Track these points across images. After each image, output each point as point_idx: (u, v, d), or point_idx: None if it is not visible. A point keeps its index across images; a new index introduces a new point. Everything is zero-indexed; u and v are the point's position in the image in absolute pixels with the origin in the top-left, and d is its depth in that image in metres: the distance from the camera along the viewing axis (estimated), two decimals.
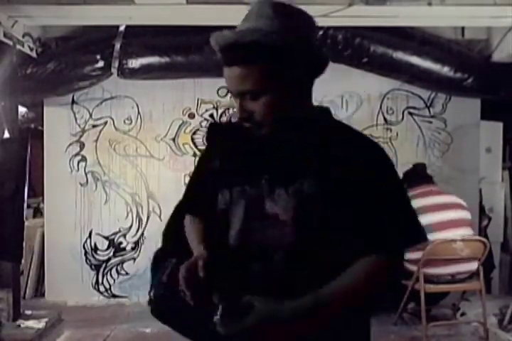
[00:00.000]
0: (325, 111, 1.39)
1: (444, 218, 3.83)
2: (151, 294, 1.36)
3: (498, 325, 4.03)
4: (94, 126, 4.86)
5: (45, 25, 4.50)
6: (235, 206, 1.28)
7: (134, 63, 4.37)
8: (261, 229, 1.24)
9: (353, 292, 1.17)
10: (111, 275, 4.92)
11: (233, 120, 1.35)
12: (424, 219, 3.83)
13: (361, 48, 4.36)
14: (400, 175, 4.32)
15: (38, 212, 5.76)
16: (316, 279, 1.18)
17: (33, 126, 5.36)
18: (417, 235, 1.28)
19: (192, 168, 5.21)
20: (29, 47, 4.30)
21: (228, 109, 4.80)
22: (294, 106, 1.26)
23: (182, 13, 3.85)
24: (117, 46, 4.32)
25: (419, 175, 4.16)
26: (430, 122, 4.89)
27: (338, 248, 1.20)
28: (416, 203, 3.85)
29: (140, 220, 4.91)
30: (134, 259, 4.92)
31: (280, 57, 1.19)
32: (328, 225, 1.21)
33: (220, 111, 4.85)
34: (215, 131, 1.50)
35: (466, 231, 3.87)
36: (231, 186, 1.28)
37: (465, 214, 3.93)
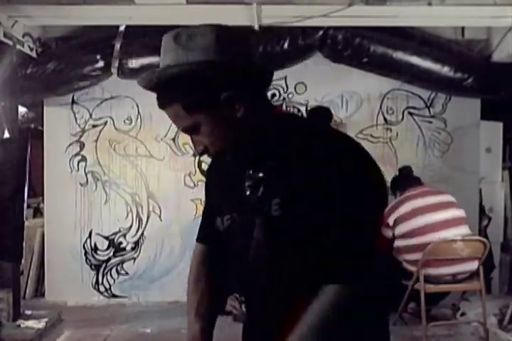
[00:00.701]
0: (293, 119, 1.30)
1: (441, 218, 3.83)
2: None
3: (498, 325, 4.03)
4: (94, 126, 4.86)
5: (45, 25, 4.50)
6: (229, 234, 1.29)
7: (134, 63, 4.37)
8: (254, 254, 1.24)
9: (321, 325, 1.13)
10: (111, 275, 4.92)
11: None
12: (422, 220, 3.89)
13: (361, 48, 4.36)
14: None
15: (38, 212, 5.77)
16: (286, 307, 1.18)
17: (33, 126, 5.36)
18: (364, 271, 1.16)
19: (192, 168, 5.21)
20: (29, 47, 4.30)
21: None
22: (242, 126, 1.17)
23: (182, 13, 3.84)
24: (117, 46, 4.32)
25: (406, 178, 4.20)
26: (430, 122, 4.88)
27: (305, 272, 1.17)
28: (411, 205, 3.88)
29: (140, 220, 4.91)
30: (134, 259, 4.92)
31: (191, 86, 1.13)
32: (294, 248, 1.17)
33: None
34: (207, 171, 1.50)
35: (463, 230, 3.88)
36: (222, 215, 1.30)
37: (460, 213, 3.94)
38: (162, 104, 1.19)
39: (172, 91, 1.15)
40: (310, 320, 1.12)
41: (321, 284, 1.12)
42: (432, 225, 3.79)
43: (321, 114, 4.24)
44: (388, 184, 4.42)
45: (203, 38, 1.13)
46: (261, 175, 1.22)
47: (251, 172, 1.23)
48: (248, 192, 1.23)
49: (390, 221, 3.89)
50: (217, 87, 1.13)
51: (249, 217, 1.23)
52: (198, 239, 1.45)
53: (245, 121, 1.16)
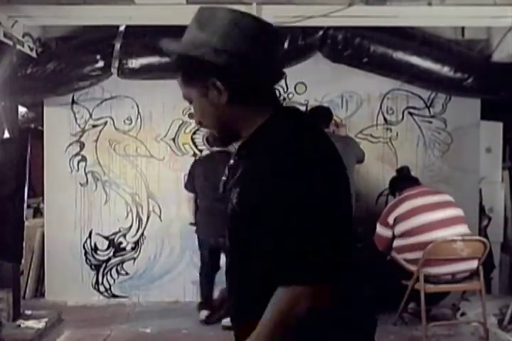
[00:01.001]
0: (286, 117, 1.26)
1: (440, 216, 3.85)
2: None
3: (498, 325, 4.03)
4: (94, 126, 4.86)
5: (45, 25, 4.50)
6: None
7: (134, 63, 4.37)
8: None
9: (274, 327, 1.12)
10: (111, 275, 4.92)
11: None
12: (420, 219, 3.91)
13: (361, 48, 4.36)
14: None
15: (38, 212, 5.76)
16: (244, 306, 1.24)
17: (33, 126, 5.36)
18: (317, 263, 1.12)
19: None
20: (29, 47, 4.30)
21: None
22: (224, 113, 1.25)
23: (182, 13, 3.83)
24: (117, 46, 4.32)
25: (404, 178, 4.22)
26: (430, 122, 4.88)
27: (258, 274, 1.18)
28: (410, 204, 3.89)
29: (140, 220, 4.91)
30: (134, 259, 4.92)
31: (190, 64, 1.23)
32: (245, 247, 1.22)
33: None
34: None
35: (462, 229, 3.89)
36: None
37: (459, 212, 3.95)
38: (175, 69, 1.29)
39: (179, 62, 1.27)
40: (263, 323, 1.13)
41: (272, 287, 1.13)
42: (431, 224, 3.81)
43: (321, 114, 4.25)
44: (388, 184, 4.44)
45: (222, 23, 1.21)
46: (234, 163, 1.31)
47: (231, 159, 1.34)
48: (225, 177, 1.34)
49: (390, 220, 3.91)
50: (208, 71, 1.21)
51: (222, 200, 1.33)
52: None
53: (228, 109, 1.23)
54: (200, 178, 4.15)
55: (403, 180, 4.21)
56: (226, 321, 3.82)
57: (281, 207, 1.12)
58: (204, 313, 4.22)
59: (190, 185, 4.28)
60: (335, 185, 1.17)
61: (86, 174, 4.87)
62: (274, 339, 1.11)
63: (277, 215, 1.12)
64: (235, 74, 1.20)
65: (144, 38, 4.35)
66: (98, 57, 4.36)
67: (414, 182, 4.18)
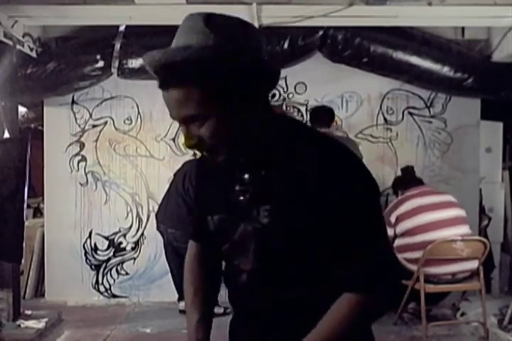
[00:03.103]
0: (289, 123, 1.22)
1: (441, 216, 3.85)
2: None
3: (498, 325, 4.03)
4: (94, 126, 4.86)
5: (45, 25, 4.50)
6: (218, 234, 1.28)
7: (134, 63, 4.37)
8: (239, 256, 1.24)
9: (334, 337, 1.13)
10: (111, 275, 4.92)
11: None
12: (422, 219, 3.90)
13: (361, 48, 4.36)
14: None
15: (38, 212, 5.77)
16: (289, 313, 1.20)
17: (33, 126, 5.36)
18: (390, 269, 1.15)
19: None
20: (29, 47, 4.30)
21: None
22: (246, 125, 1.12)
23: (182, 13, 3.82)
24: (117, 46, 4.32)
25: (409, 177, 4.22)
26: (430, 122, 4.88)
27: (302, 281, 1.17)
28: (412, 203, 3.89)
29: (140, 220, 4.91)
30: (134, 259, 4.92)
31: (217, 73, 1.05)
32: (290, 257, 1.15)
33: None
34: (194, 168, 1.46)
35: (464, 229, 3.88)
36: (212, 214, 1.28)
37: (461, 212, 3.95)
38: (177, 82, 1.06)
39: (196, 71, 1.05)
40: (322, 328, 1.12)
41: (328, 293, 1.12)
42: (432, 224, 3.80)
43: (323, 114, 4.24)
44: (390, 184, 4.44)
45: (232, 28, 1.10)
46: (251, 178, 1.18)
47: (242, 175, 1.20)
48: (237, 196, 1.20)
49: (392, 219, 3.91)
50: (241, 78, 1.07)
51: (237, 220, 1.21)
52: (191, 237, 1.45)
53: (249, 122, 1.12)
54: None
55: (407, 180, 4.19)
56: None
57: (369, 215, 1.13)
58: (183, 304, 4.31)
59: None
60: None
61: (86, 174, 4.87)
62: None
63: (360, 226, 1.11)
64: (258, 82, 1.10)
65: (144, 37, 4.35)
66: (98, 57, 4.36)
67: (418, 182, 4.17)
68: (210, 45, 1.05)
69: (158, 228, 4.44)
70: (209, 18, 1.09)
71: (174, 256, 4.27)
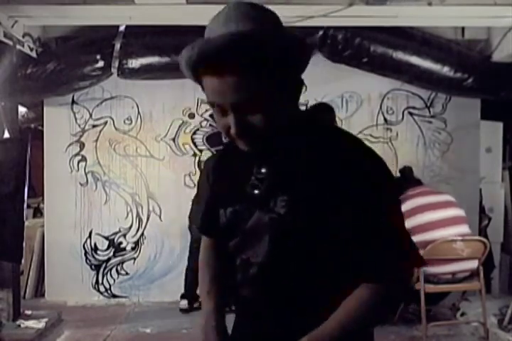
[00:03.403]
0: (311, 115, 1.30)
1: (441, 216, 3.84)
2: None
3: (498, 325, 4.03)
4: (94, 126, 4.86)
5: (45, 25, 4.50)
6: (230, 227, 1.27)
7: (134, 63, 4.37)
8: (251, 247, 1.23)
9: (352, 328, 1.13)
10: (111, 275, 4.92)
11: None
12: (422, 218, 3.89)
13: (361, 48, 4.36)
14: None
15: (38, 212, 5.77)
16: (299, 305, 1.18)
17: (33, 126, 5.36)
18: (411, 258, 1.16)
19: (192, 168, 5.19)
20: (29, 47, 4.30)
21: None
22: (285, 115, 1.14)
23: (182, 13, 3.84)
24: (117, 46, 4.32)
25: (407, 178, 4.22)
26: (430, 122, 4.89)
27: (321, 273, 1.16)
28: (411, 203, 3.88)
29: (140, 220, 4.91)
30: (134, 259, 4.92)
31: (268, 59, 1.05)
32: (306, 248, 1.14)
33: None
34: (210, 163, 1.42)
35: (463, 229, 3.88)
36: (225, 207, 1.27)
37: (460, 212, 3.95)
38: (231, 68, 1.04)
39: (252, 57, 1.03)
40: (340, 318, 1.11)
41: (347, 283, 1.12)
42: (432, 223, 3.80)
43: (325, 111, 4.23)
44: None
45: (267, 17, 1.12)
46: (269, 169, 1.19)
47: (260, 166, 1.20)
48: (254, 187, 1.20)
49: None
50: (284, 64, 1.08)
51: (251, 211, 1.21)
52: (200, 231, 1.46)
53: (287, 111, 1.14)
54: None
55: (405, 181, 4.20)
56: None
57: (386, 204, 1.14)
58: (184, 302, 4.47)
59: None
60: None
61: (86, 174, 4.87)
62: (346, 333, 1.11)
63: (381, 215, 1.12)
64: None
65: (144, 37, 4.35)
66: (98, 57, 4.36)
67: (417, 182, 4.18)
68: (265, 29, 1.07)
69: (189, 228, 4.53)
70: (252, 6, 1.10)
71: (197, 253, 4.29)
